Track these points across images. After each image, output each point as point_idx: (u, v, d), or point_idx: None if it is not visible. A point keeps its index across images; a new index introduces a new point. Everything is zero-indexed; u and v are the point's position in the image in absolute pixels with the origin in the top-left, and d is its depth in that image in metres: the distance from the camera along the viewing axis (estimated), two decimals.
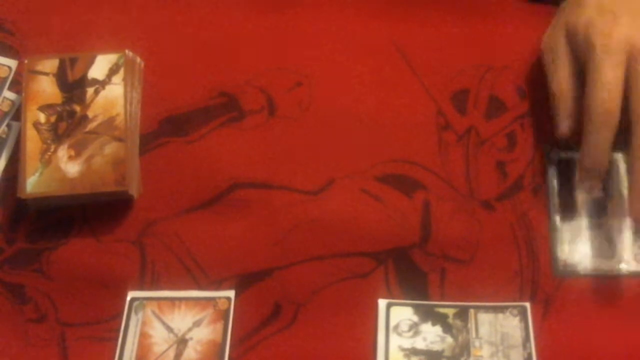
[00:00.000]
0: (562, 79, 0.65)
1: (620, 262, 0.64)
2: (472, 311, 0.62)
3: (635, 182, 0.60)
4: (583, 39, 0.63)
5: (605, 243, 0.65)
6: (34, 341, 0.63)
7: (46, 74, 0.68)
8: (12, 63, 0.72)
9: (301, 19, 0.74)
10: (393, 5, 0.75)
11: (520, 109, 0.70)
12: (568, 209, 0.66)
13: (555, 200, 0.66)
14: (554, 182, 0.67)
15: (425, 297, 0.64)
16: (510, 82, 0.71)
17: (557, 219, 0.66)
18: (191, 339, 0.62)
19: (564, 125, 0.64)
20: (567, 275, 0.64)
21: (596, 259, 0.64)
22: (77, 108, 0.67)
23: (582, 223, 0.65)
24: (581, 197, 0.66)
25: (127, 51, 0.69)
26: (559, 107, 0.65)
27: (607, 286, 0.64)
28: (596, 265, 0.64)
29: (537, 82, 0.70)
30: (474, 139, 0.69)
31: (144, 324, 0.63)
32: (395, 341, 0.61)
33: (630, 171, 0.61)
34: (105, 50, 0.69)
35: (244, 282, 0.64)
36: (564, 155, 0.68)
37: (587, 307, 0.63)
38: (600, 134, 0.60)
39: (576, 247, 0.65)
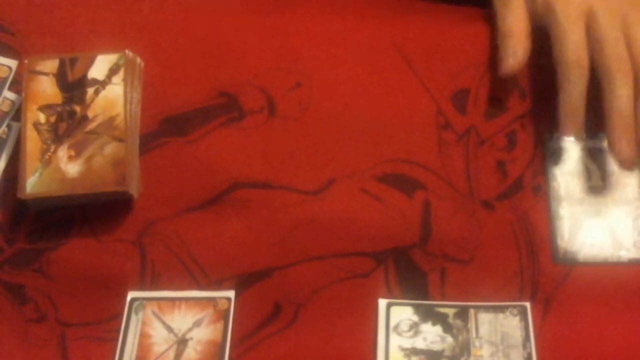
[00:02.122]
0: (515, 19, 0.68)
1: (620, 249, 0.64)
2: (472, 311, 0.62)
3: (614, 125, 0.64)
4: (542, 1, 0.67)
5: (605, 231, 0.65)
6: (34, 341, 0.63)
7: (46, 74, 0.68)
8: (12, 63, 0.72)
9: (301, 19, 0.74)
10: (393, 6, 0.75)
11: (520, 108, 0.70)
12: (568, 197, 0.66)
13: (555, 188, 0.66)
14: (554, 170, 0.67)
15: (425, 297, 0.64)
16: (510, 82, 0.70)
17: (557, 207, 0.66)
18: (191, 339, 0.62)
19: (510, 63, 0.67)
20: (567, 263, 0.64)
21: (596, 247, 0.64)
22: (77, 108, 0.67)
23: (582, 211, 0.65)
24: (581, 185, 0.66)
25: (127, 51, 0.69)
26: (508, 45, 0.68)
27: (606, 284, 0.63)
28: (596, 253, 0.64)
29: (537, 82, 0.70)
30: (474, 139, 0.69)
31: (144, 324, 0.63)
32: (395, 341, 0.61)
33: (607, 117, 0.65)
34: (105, 50, 0.69)
35: (244, 282, 0.64)
36: (564, 143, 0.68)
37: (587, 306, 0.63)
38: (576, 87, 0.65)
39: (576, 235, 0.65)
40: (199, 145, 0.69)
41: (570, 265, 0.64)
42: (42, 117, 0.67)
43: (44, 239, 0.67)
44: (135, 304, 0.64)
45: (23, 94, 0.68)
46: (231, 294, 0.64)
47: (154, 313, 0.63)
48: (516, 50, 0.67)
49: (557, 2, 0.67)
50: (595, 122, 0.68)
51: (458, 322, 0.62)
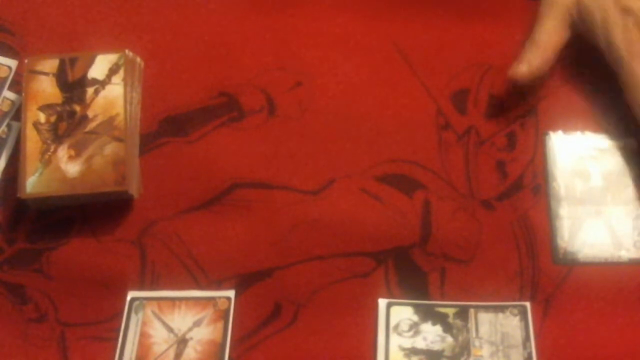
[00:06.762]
0: (549, 32, 0.67)
1: (620, 249, 0.64)
2: (472, 311, 0.62)
3: None
4: (602, 34, 0.65)
5: (605, 231, 0.65)
6: (34, 341, 0.63)
7: (46, 74, 0.68)
8: (12, 63, 0.72)
9: (301, 19, 0.74)
10: (393, 6, 0.75)
11: (520, 109, 0.70)
12: (568, 197, 0.66)
13: (555, 188, 0.66)
14: (554, 171, 0.67)
15: (426, 296, 0.64)
16: (510, 82, 0.70)
17: (557, 207, 0.66)
18: (191, 338, 0.62)
19: (521, 69, 0.67)
20: (567, 263, 0.64)
21: (596, 247, 0.64)
22: (77, 108, 0.67)
23: (582, 211, 0.65)
24: (581, 185, 0.66)
25: (127, 51, 0.69)
26: (530, 53, 0.67)
27: (606, 284, 0.63)
28: (596, 253, 0.64)
29: None
30: (474, 139, 0.69)
31: (144, 323, 0.63)
32: (395, 341, 0.61)
33: None
34: (105, 50, 0.69)
35: (244, 282, 0.64)
36: (564, 143, 0.68)
37: (588, 306, 0.63)
38: None
39: (576, 234, 0.65)
40: (199, 145, 0.69)
41: (570, 265, 0.64)
42: (42, 117, 0.67)
43: (44, 239, 0.67)
44: (135, 303, 0.64)
45: (23, 94, 0.68)
46: (231, 293, 0.64)
47: (154, 313, 0.63)
48: (534, 60, 0.67)
49: (622, 42, 0.64)
50: (597, 122, 0.69)
51: (458, 322, 0.62)
